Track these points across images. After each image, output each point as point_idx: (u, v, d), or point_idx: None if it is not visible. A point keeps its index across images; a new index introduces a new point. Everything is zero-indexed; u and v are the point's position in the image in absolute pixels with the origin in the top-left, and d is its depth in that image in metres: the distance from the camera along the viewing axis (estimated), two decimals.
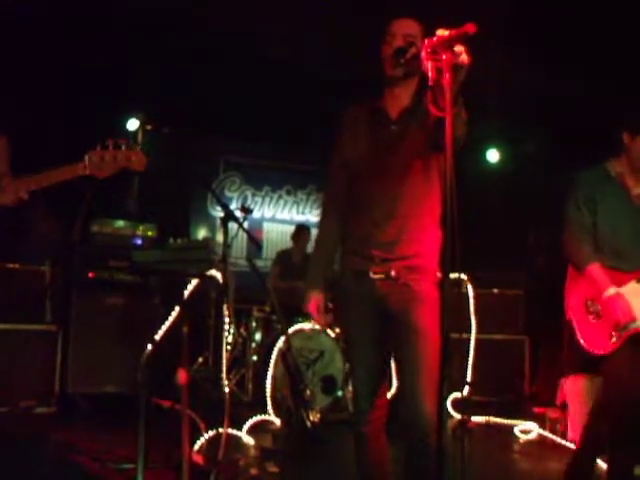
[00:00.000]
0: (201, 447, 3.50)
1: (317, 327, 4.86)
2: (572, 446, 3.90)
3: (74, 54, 5.43)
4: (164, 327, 3.34)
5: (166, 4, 5.22)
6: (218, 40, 5.71)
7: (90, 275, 4.92)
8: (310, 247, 6.97)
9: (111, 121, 6.48)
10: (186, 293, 3.28)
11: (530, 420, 4.87)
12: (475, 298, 5.36)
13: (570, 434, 4.43)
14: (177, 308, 3.28)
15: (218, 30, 5.59)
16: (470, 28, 1.72)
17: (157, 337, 3.30)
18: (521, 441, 4.72)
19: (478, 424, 4.96)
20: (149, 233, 5.30)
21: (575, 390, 4.45)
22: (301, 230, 6.54)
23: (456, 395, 4.44)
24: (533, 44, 5.23)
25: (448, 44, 1.79)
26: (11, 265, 4.77)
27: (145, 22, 5.39)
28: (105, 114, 5.93)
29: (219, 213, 7.56)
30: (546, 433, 4.68)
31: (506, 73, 5.60)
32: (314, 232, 8.22)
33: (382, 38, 2.35)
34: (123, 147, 2.35)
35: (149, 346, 3.16)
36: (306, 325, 4.86)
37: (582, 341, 2.81)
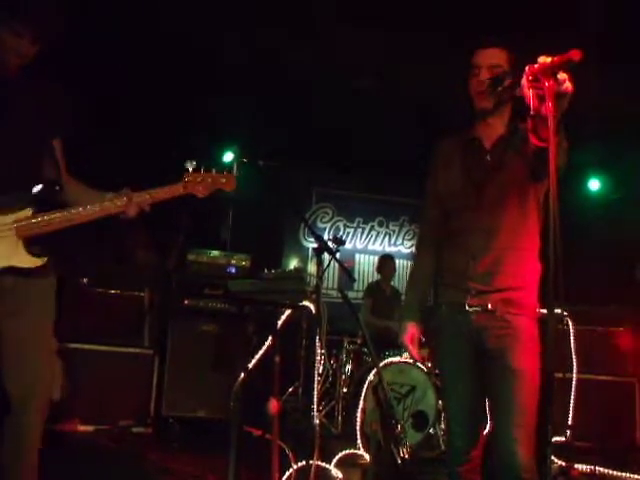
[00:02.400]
0: (290, 478, 3.48)
1: (409, 361, 4.76)
2: None
3: (172, 89, 5.71)
4: (257, 356, 3.38)
5: (259, 43, 5.40)
6: (311, 72, 5.83)
7: (186, 302, 5.08)
8: (397, 276, 6.92)
9: (208, 154, 6.75)
10: (279, 323, 3.31)
11: None
12: (576, 335, 5.09)
13: None
14: (270, 338, 3.31)
15: (311, 62, 5.71)
16: (575, 55, 1.63)
17: (250, 365, 3.33)
18: None
19: (582, 472, 4.62)
20: (243, 263, 5.42)
21: None
22: (384, 260, 6.50)
23: (557, 439, 4.18)
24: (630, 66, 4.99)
25: (551, 71, 1.72)
26: (112, 291, 5.02)
27: (241, 58, 5.60)
28: (202, 148, 6.17)
29: (311, 244, 7.65)
30: None
31: (603, 97, 5.36)
32: (403, 263, 8.19)
33: (468, 71, 2.31)
34: (214, 170, 2.45)
35: (242, 374, 3.20)
36: (397, 358, 4.78)
37: None
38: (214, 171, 2.44)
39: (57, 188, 2.33)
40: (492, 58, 2.27)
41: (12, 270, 2.19)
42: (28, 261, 2.21)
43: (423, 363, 4.85)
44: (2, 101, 2.24)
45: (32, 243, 2.23)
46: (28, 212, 2.22)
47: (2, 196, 2.19)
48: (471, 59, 2.31)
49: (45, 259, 2.25)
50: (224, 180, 2.44)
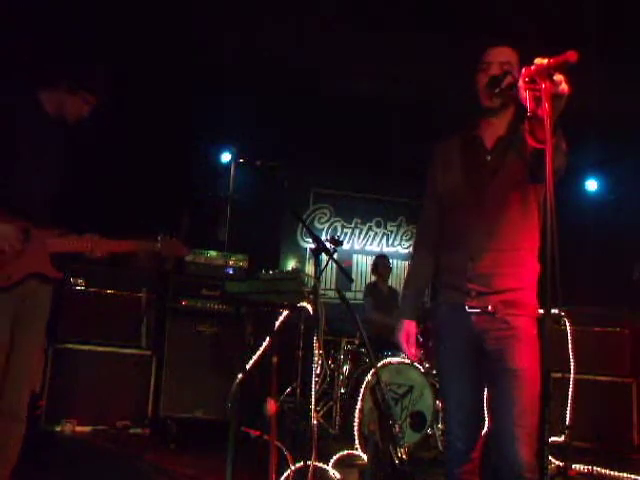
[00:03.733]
0: (287, 478, 3.48)
1: (406, 361, 4.77)
2: None
3: (172, 89, 5.70)
4: (254, 357, 3.37)
5: (260, 43, 5.40)
6: (309, 74, 5.83)
7: (183, 303, 5.08)
8: (395, 277, 6.93)
9: (206, 154, 6.75)
10: (277, 324, 3.31)
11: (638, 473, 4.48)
12: (573, 335, 5.09)
13: None
14: (267, 338, 3.31)
15: (311, 65, 5.71)
16: (571, 56, 1.62)
17: (247, 366, 3.33)
18: None
19: (580, 472, 4.63)
20: (240, 264, 5.42)
21: None
22: (378, 260, 6.50)
23: (554, 439, 4.19)
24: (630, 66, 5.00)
25: (547, 73, 1.71)
26: (109, 290, 5.01)
27: (240, 59, 5.60)
28: (200, 147, 6.18)
29: (309, 244, 7.65)
30: None
31: (602, 97, 5.37)
32: (401, 264, 8.19)
33: (478, 66, 2.31)
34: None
35: (239, 375, 3.20)
36: (395, 359, 4.79)
37: None
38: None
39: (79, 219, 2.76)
40: (504, 56, 2.27)
41: (39, 276, 2.52)
42: (52, 272, 2.56)
43: (421, 363, 4.86)
44: (50, 139, 2.60)
45: (56, 258, 2.57)
46: (55, 233, 2.58)
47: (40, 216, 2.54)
48: (482, 55, 2.31)
49: (62, 273, 2.62)
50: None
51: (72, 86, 2.51)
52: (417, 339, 2.56)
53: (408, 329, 2.47)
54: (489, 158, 2.32)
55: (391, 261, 6.70)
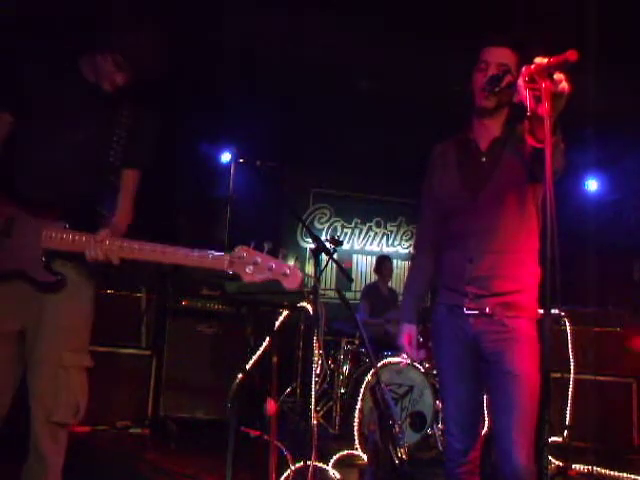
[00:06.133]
0: (287, 478, 3.48)
1: (405, 360, 4.76)
2: None
3: (171, 89, 5.70)
4: (254, 357, 3.37)
5: (259, 43, 5.39)
6: (308, 73, 5.83)
7: (183, 303, 5.08)
8: (395, 277, 6.92)
9: (207, 155, 6.75)
10: (277, 324, 3.31)
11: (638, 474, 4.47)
12: (573, 335, 5.09)
13: None
14: (267, 338, 3.31)
15: (310, 62, 5.70)
16: (571, 55, 1.61)
17: (247, 366, 3.33)
18: None
19: (579, 473, 4.63)
20: None
21: None
22: (382, 261, 6.52)
23: (554, 439, 4.18)
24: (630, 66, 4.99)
25: (547, 72, 1.71)
26: (108, 290, 5.01)
27: (239, 58, 5.59)
28: (200, 148, 6.18)
29: (309, 244, 7.65)
30: None
31: (602, 97, 5.36)
32: (401, 264, 8.19)
33: (475, 66, 2.30)
34: (280, 256, 2.06)
35: (239, 375, 3.20)
36: (395, 359, 4.78)
37: None
38: (280, 256, 2.06)
39: (97, 214, 2.28)
40: (502, 57, 2.25)
41: (21, 275, 2.15)
42: (39, 273, 2.15)
43: (420, 363, 4.86)
44: (77, 112, 2.29)
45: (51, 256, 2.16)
46: (60, 225, 2.15)
47: (40, 206, 2.16)
48: (480, 54, 2.29)
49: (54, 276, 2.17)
50: (289, 273, 2.02)
51: (100, 46, 2.24)
52: (418, 340, 2.56)
53: (410, 333, 2.47)
54: (484, 160, 2.31)
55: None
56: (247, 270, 2.02)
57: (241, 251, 2.03)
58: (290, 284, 2.01)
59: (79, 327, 2.37)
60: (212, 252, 2.05)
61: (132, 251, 2.11)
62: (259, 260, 2.02)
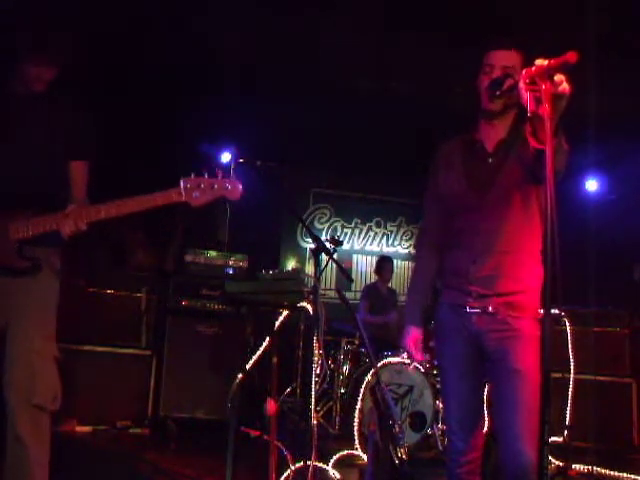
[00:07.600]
0: (287, 478, 3.48)
1: (407, 361, 4.77)
2: None
3: (171, 89, 5.70)
4: (254, 357, 3.37)
5: (258, 45, 5.40)
6: (310, 72, 5.83)
7: (183, 303, 5.08)
8: (395, 277, 6.92)
9: (206, 155, 6.73)
10: (277, 324, 3.31)
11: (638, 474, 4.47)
12: (573, 335, 5.09)
13: None
14: (267, 338, 3.31)
15: (310, 62, 5.70)
16: (571, 57, 1.62)
17: (247, 366, 3.33)
18: None
19: (580, 472, 4.63)
20: (241, 264, 5.42)
21: None
22: (383, 262, 6.52)
23: (555, 439, 4.19)
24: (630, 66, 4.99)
25: (547, 74, 1.71)
26: (109, 291, 5.01)
27: (239, 58, 5.59)
28: (201, 147, 6.17)
29: (309, 244, 7.66)
30: None
31: (602, 97, 5.35)
32: (401, 264, 8.19)
33: (480, 69, 2.30)
34: (219, 176, 2.27)
35: (239, 375, 3.20)
36: (395, 359, 4.78)
37: None
38: (220, 176, 2.27)
39: (58, 196, 2.39)
40: (506, 59, 2.25)
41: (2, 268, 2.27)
42: (18, 261, 2.30)
43: (421, 363, 4.86)
44: (19, 117, 2.39)
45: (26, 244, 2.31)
46: (26, 215, 2.30)
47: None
48: (485, 58, 2.29)
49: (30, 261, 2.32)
50: (230, 187, 2.27)
51: (23, 54, 2.32)
52: (423, 342, 2.56)
53: (415, 335, 2.48)
54: (490, 161, 2.32)
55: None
56: (194, 196, 2.23)
57: (185, 182, 2.24)
58: (232, 195, 2.28)
59: (48, 317, 2.46)
60: (159, 192, 2.27)
61: (97, 212, 2.28)
62: (202, 184, 2.24)
